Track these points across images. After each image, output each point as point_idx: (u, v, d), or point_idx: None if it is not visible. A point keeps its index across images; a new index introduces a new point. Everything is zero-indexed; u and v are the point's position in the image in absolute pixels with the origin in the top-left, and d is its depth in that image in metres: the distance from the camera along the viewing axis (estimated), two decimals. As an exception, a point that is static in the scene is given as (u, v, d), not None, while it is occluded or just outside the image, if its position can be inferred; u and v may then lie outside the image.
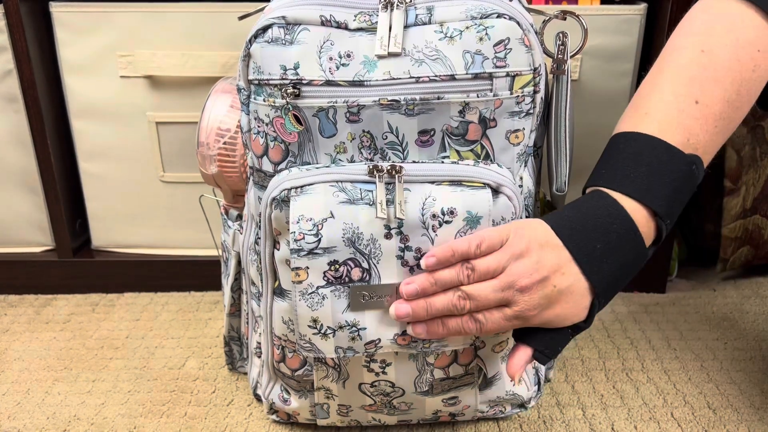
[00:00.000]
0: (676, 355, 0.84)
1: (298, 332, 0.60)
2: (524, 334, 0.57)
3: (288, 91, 0.57)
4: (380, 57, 0.56)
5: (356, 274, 0.57)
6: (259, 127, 0.61)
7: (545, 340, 0.57)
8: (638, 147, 0.57)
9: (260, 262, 0.64)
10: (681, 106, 0.57)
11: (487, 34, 0.56)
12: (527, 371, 0.69)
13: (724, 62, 0.58)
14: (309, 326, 0.59)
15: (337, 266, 0.57)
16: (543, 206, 0.73)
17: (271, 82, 0.58)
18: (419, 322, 0.56)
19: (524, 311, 0.54)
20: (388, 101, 0.56)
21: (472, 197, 0.56)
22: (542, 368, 0.73)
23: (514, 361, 0.56)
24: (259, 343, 0.70)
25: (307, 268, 0.57)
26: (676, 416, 0.73)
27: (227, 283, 0.74)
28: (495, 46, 0.56)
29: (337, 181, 0.57)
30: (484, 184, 0.57)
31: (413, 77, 0.56)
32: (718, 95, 0.57)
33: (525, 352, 0.57)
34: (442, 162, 0.58)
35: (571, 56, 0.62)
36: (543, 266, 0.54)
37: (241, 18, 0.67)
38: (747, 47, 0.58)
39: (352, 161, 0.59)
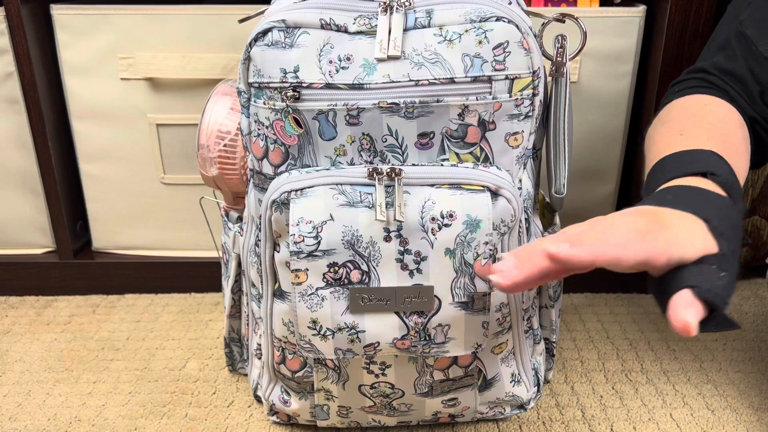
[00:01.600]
0: (675, 356, 0.84)
1: (297, 333, 0.60)
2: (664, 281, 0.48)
3: (288, 94, 0.57)
4: (380, 60, 0.56)
5: (355, 276, 0.57)
6: (259, 129, 0.61)
7: (694, 274, 0.45)
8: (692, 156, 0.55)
9: (260, 264, 0.64)
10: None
11: (486, 37, 0.56)
12: (527, 372, 0.69)
13: (704, 128, 0.58)
14: (308, 327, 0.59)
15: (337, 268, 0.57)
16: (542, 208, 0.73)
17: (271, 85, 0.58)
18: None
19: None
20: (388, 104, 0.56)
21: (472, 200, 0.56)
22: (542, 369, 0.73)
23: (675, 308, 0.43)
24: (260, 345, 0.70)
25: (307, 270, 0.57)
26: (675, 417, 0.73)
27: (227, 284, 0.74)
28: (494, 49, 0.56)
29: (336, 184, 0.57)
30: (483, 186, 0.57)
31: (413, 80, 0.56)
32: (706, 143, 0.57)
33: (681, 295, 0.44)
34: (442, 165, 0.58)
35: (570, 59, 0.62)
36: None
37: (242, 21, 0.67)
38: (724, 122, 0.60)
39: (351, 164, 0.59)
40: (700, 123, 0.60)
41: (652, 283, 0.48)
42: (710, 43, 0.66)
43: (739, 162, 0.56)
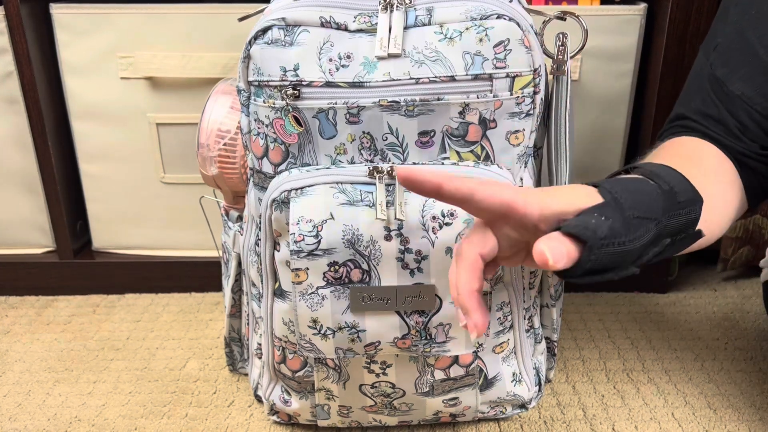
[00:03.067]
0: (676, 356, 0.84)
1: (298, 332, 0.60)
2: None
3: (288, 92, 0.57)
4: (380, 58, 0.56)
5: (356, 275, 0.57)
6: (259, 128, 0.61)
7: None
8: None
9: (260, 264, 0.64)
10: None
11: (486, 35, 0.56)
12: (528, 371, 0.69)
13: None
14: (309, 326, 0.59)
15: (337, 267, 0.57)
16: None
17: (271, 83, 0.58)
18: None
19: None
20: (388, 102, 0.56)
21: (472, 198, 0.56)
22: (543, 368, 0.73)
23: (536, 244, 0.42)
24: (260, 344, 0.70)
25: (307, 269, 0.57)
26: (676, 416, 0.73)
27: (228, 284, 0.74)
28: (495, 47, 0.56)
29: (337, 183, 0.57)
30: (484, 185, 0.57)
31: (413, 78, 0.56)
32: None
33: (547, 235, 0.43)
34: (442, 163, 0.58)
35: (571, 57, 0.62)
36: None
37: (241, 19, 0.67)
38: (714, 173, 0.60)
39: (352, 162, 0.59)
40: (664, 152, 0.62)
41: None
42: (686, 89, 0.68)
43: (697, 172, 0.56)
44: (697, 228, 0.52)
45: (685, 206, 0.50)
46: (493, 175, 0.57)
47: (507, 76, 0.57)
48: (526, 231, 0.47)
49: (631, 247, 0.45)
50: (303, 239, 0.56)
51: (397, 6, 0.56)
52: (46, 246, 1.02)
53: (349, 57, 0.56)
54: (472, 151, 0.58)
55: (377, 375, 0.63)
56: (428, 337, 0.59)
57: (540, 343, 0.72)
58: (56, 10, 0.89)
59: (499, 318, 0.63)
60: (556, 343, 0.75)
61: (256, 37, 0.58)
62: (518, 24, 0.56)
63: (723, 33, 0.64)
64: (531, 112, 0.59)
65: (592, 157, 0.95)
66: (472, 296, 0.45)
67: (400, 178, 0.45)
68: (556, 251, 0.41)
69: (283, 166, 0.60)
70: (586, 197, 0.46)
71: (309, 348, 0.60)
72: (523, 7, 0.60)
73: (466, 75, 0.56)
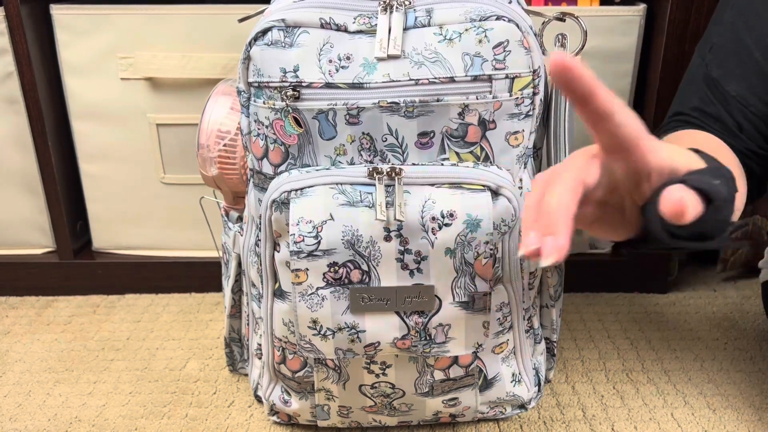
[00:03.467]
0: (676, 356, 0.84)
1: (298, 333, 0.60)
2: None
3: (288, 93, 0.57)
4: (380, 59, 0.56)
5: (356, 276, 0.57)
6: (259, 129, 0.61)
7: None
8: None
9: (260, 264, 0.64)
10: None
11: (486, 36, 0.56)
12: (528, 371, 0.69)
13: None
14: (309, 327, 0.59)
15: (337, 268, 0.57)
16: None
17: (270, 84, 0.58)
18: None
19: None
20: (388, 103, 0.56)
21: (472, 200, 0.56)
22: (542, 369, 0.73)
23: (667, 193, 0.39)
24: (260, 345, 0.70)
25: (307, 269, 0.57)
26: (676, 416, 0.73)
27: (228, 284, 0.74)
28: (494, 48, 0.56)
29: (336, 184, 0.57)
30: (483, 186, 0.57)
31: (413, 79, 0.56)
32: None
33: (673, 186, 0.40)
34: (442, 164, 0.58)
35: (571, 58, 0.62)
36: None
37: (241, 20, 0.67)
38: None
39: (351, 163, 0.59)
40: (685, 142, 0.61)
41: (647, 210, 0.45)
42: (681, 89, 0.69)
43: (729, 165, 0.56)
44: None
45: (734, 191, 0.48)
46: (492, 176, 0.57)
47: (506, 77, 0.57)
48: (633, 177, 0.43)
49: (731, 219, 0.43)
50: (303, 240, 0.56)
51: (397, 7, 0.56)
52: (46, 246, 1.02)
53: (348, 58, 0.56)
54: (471, 152, 0.58)
55: (377, 375, 0.63)
56: (428, 338, 0.59)
57: (539, 343, 0.72)
58: (56, 11, 0.89)
59: (499, 318, 0.63)
60: (555, 344, 0.75)
61: (256, 39, 0.58)
62: (517, 25, 0.56)
63: (718, 34, 0.64)
64: (530, 113, 0.59)
65: (591, 157, 0.95)
66: (568, 214, 0.39)
67: (556, 67, 0.39)
68: (689, 202, 0.38)
69: (282, 167, 0.60)
70: (697, 161, 0.44)
71: (309, 348, 0.60)
72: (522, 8, 0.60)
73: (466, 76, 0.56)
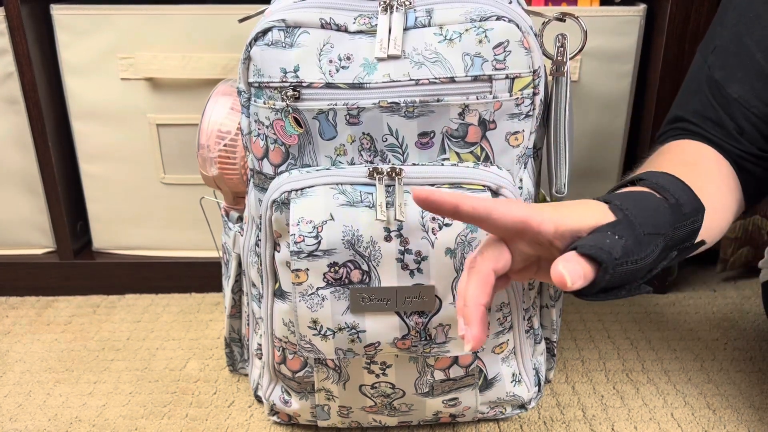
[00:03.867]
0: (676, 356, 0.84)
1: (298, 333, 0.60)
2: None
3: (288, 93, 0.57)
4: (380, 59, 0.56)
5: (356, 276, 0.57)
6: (259, 129, 0.61)
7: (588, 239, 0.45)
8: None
9: (261, 264, 0.64)
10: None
11: (486, 36, 0.56)
12: (528, 371, 0.69)
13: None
14: (309, 327, 0.59)
15: (337, 268, 0.57)
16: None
17: (271, 84, 0.58)
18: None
19: None
20: (388, 103, 0.56)
21: (472, 199, 0.56)
22: (543, 369, 0.73)
23: (554, 265, 0.43)
24: (260, 345, 0.70)
25: (307, 269, 0.57)
26: (676, 417, 0.73)
27: (228, 284, 0.74)
28: (494, 48, 0.56)
29: (337, 184, 0.57)
30: (484, 186, 0.57)
31: (413, 79, 0.56)
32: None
33: (563, 255, 0.44)
34: (442, 164, 0.58)
35: (571, 58, 0.62)
36: None
37: (242, 21, 0.67)
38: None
39: (352, 163, 0.59)
40: (664, 158, 0.62)
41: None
42: (683, 90, 0.69)
43: (697, 178, 0.57)
44: (698, 237, 0.53)
45: (689, 217, 0.51)
46: (492, 176, 0.57)
47: (506, 77, 0.57)
48: (540, 246, 0.48)
49: (642, 264, 0.46)
50: (303, 240, 0.56)
51: (397, 7, 0.56)
52: (47, 246, 1.02)
53: (349, 58, 0.56)
54: (471, 152, 0.59)
55: (377, 375, 0.63)
56: (428, 338, 0.59)
57: (539, 343, 0.72)
58: (57, 11, 0.89)
59: (499, 319, 0.63)
60: (555, 344, 0.75)
61: (256, 39, 0.58)
62: (518, 25, 0.56)
63: (721, 36, 0.64)
64: (530, 113, 0.59)
65: (591, 157, 0.95)
66: (478, 309, 0.45)
67: (417, 199, 0.46)
68: (573, 273, 0.42)
69: (283, 167, 0.60)
70: (599, 214, 0.47)
71: (309, 348, 0.60)
72: (522, 8, 0.60)
73: (466, 76, 0.56)
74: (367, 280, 0.57)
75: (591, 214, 0.47)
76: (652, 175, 0.54)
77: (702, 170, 0.60)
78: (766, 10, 0.61)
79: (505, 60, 0.56)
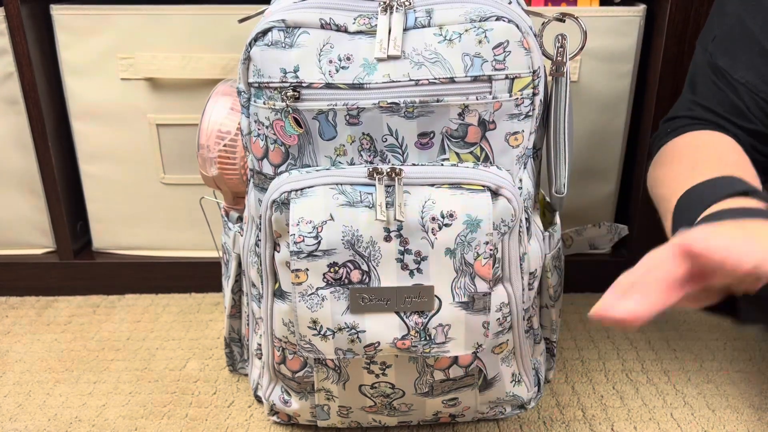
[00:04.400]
0: (675, 356, 0.84)
1: (298, 333, 0.60)
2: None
3: (288, 94, 0.57)
4: (380, 60, 0.56)
5: (356, 276, 0.57)
6: (259, 129, 0.61)
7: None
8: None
9: (260, 264, 0.64)
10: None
11: (486, 36, 0.56)
12: (528, 371, 0.69)
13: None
14: (309, 327, 0.59)
15: (337, 268, 0.57)
16: (543, 208, 0.73)
17: (271, 85, 0.58)
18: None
19: None
20: (388, 104, 0.56)
21: (472, 200, 0.56)
22: (542, 369, 0.73)
23: None
24: (260, 345, 0.70)
25: (307, 269, 0.57)
26: (675, 417, 0.73)
27: (228, 284, 0.74)
28: (494, 48, 0.56)
29: (336, 184, 0.57)
30: (483, 186, 0.57)
31: (413, 80, 0.56)
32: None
33: None
34: (442, 164, 0.58)
35: (571, 58, 0.62)
36: None
37: (242, 21, 0.67)
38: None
39: (351, 164, 0.59)
40: (708, 156, 0.60)
41: (750, 302, 0.43)
42: (689, 81, 0.69)
43: (758, 184, 0.56)
44: None
45: None
46: (492, 177, 0.58)
47: (506, 77, 0.57)
48: (728, 279, 0.43)
49: None
50: (303, 240, 0.57)
51: (397, 8, 0.56)
52: (47, 246, 1.02)
53: (348, 59, 0.56)
54: (471, 153, 0.59)
55: (377, 375, 0.63)
56: (428, 338, 0.59)
57: (539, 343, 0.72)
58: (57, 11, 0.89)
59: (499, 319, 0.63)
60: (555, 344, 0.75)
61: (256, 39, 0.58)
62: (517, 26, 0.56)
63: (721, 24, 0.64)
64: (530, 113, 0.59)
65: (591, 157, 0.95)
66: (659, 286, 0.40)
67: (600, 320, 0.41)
68: None
69: (283, 168, 0.60)
70: None
71: (309, 348, 0.60)
72: (522, 8, 0.60)
73: (466, 77, 0.56)
74: (367, 280, 0.57)
75: None
76: (749, 186, 0.50)
77: (745, 168, 0.58)
78: None
79: (504, 60, 0.56)
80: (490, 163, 0.59)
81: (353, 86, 0.56)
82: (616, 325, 0.39)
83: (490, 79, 0.56)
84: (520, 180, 0.62)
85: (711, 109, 0.64)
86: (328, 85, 0.56)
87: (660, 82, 0.88)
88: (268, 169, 0.61)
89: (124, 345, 0.88)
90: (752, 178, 0.58)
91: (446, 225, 0.56)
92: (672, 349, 0.86)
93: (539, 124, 0.62)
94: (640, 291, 0.40)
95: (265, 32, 0.57)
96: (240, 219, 0.73)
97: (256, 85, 0.59)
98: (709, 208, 0.50)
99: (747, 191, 0.51)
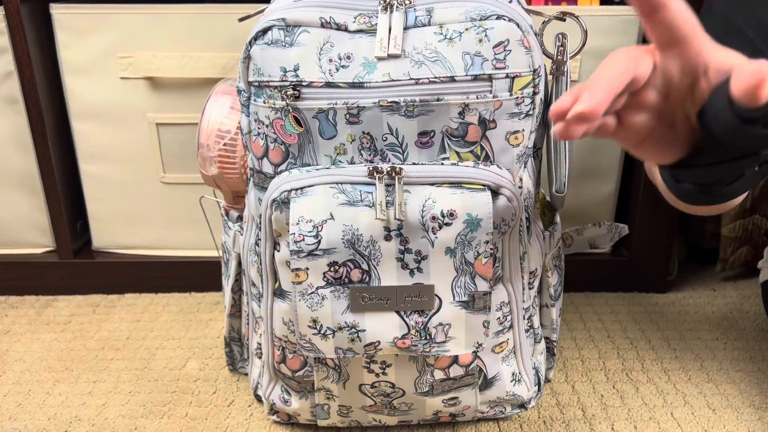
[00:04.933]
0: (675, 355, 0.84)
1: (298, 332, 0.60)
2: None
3: (288, 92, 0.57)
4: (380, 59, 0.56)
5: (356, 275, 0.57)
6: (259, 128, 0.61)
7: None
8: None
9: (260, 263, 0.64)
10: None
11: (486, 35, 0.56)
12: (528, 371, 0.69)
13: None
14: (309, 326, 0.59)
15: (337, 267, 0.57)
16: (543, 207, 0.73)
17: (271, 83, 0.58)
18: None
19: None
20: (388, 103, 0.56)
21: (472, 199, 0.56)
22: (542, 368, 0.73)
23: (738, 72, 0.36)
24: (260, 344, 0.70)
25: (307, 269, 0.57)
26: (675, 416, 0.73)
27: (228, 284, 0.74)
28: (494, 47, 0.56)
29: (337, 183, 0.57)
30: (483, 185, 0.57)
31: (413, 79, 0.56)
32: None
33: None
34: (442, 163, 0.58)
35: (571, 57, 0.62)
36: None
37: (241, 20, 0.67)
38: None
39: (352, 163, 0.59)
40: None
41: (709, 107, 0.41)
42: None
43: None
44: None
45: None
46: (492, 176, 0.57)
47: (507, 76, 0.57)
48: (689, 74, 0.41)
49: None
50: (303, 239, 0.56)
51: (397, 6, 0.56)
52: (46, 246, 1.02)
53: (349, 57, 0.56)
54: (471, 152, 0.59)
55: (377, 375, 0.63)
56: (428, 337, 0.59)
57: (539, 342, 0.72)
58: (56, 10, 0.89)
59: (499, 318, 0.63)
60: (555, 343, 0.75)
61: (256, 38, 0.58)
62: (518, 24, 0.56)
63: (710, 24, 0.64)
64: (530, 112, 0.59)
65: (591, 157, 0.95)
66: (611, 79, 0.39)
67: None
68: None
69: (283, 167, 0.60)
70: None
71: (309, 348, 0.60)
72: (522, 7, 0.60)
73: (466, 75, 0.56)
74: (367, 279, 0.57)
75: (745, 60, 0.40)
76: None
77: None
78: None
79: (505, 59, 0.56)
80: (491, 162, 0.59)
81: (353, 85, 0.56)
82: (574, 124, 0.38)
83: (490, 78, 0.56)
84: (521, 179, 0.62)
85: None
86: (328, 84, 0.56)
87: (660, 81, 0.88)
88: (268, 168, 0.61)
89: (123, 344, 0.88)
90: None
91: (446, 224, 0.56)
92: (672, 348, 0.85)
93: (539, 123, 0.62)
94: (589, 87, 0.39)
95: (265, 31, 0.57)
96: (240, 218, 0.73)
97: (256, 83, 0.59)
98: None
99: None
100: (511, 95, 0.57)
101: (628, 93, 0.43)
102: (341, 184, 0.57)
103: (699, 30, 0.41)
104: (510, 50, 0.56)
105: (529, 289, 0.66)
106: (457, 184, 0.57)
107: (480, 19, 0.56)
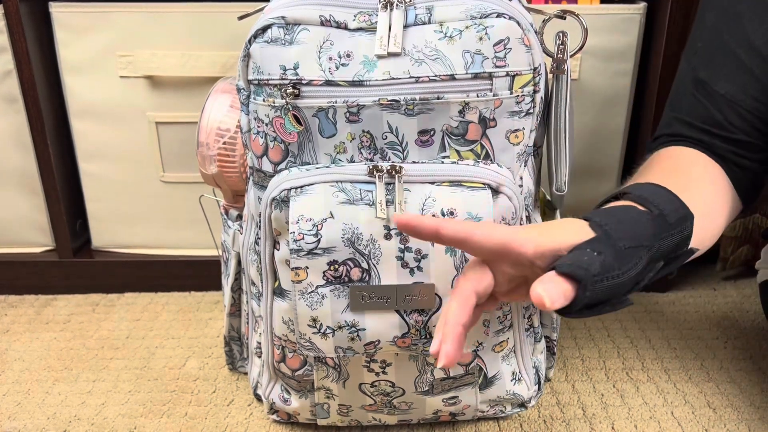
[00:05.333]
0: (676, 354, 0.84)
1: (297, 331, 0.60)
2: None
3: (287, 91, 0.57)
4: (380, 57, 0.56)
5: (356, 274, 0.57)
6: (258, 127, 0.61)
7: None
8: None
9: (260, 262, 0.64)
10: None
11: (486, 33, 0.56)
12: (528, 370, 0.69)
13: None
14: (309, 325, 0.59)
15: (337, 266, 0.57)
16: (543, 206, 0.73)
17: (270, 82, 0.58)
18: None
19: None
20: (388, 101, 0.56)
21: (472, 197, 0.56)
22: (542, 367, 0.73)
23: (533, 286, 0.44)
24: (260, 343, 0.70)
25: (307, 267, 0.57)
26: (676, 415, 0.73)
27: (227, 283, 0.74)
28: (495, 45, 0.56)
29: (336, 182, 0.57)
30: (484, 184, 0.57)
31: (413, 77, 0.56)
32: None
33: (542, 276, 0.45)
34: (442, 162, 0.58)
35: (571, 56, 0.62)
36: None
37: (241, 18, 0.67)
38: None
39: (351, 161, 0.59)
40: (653, 168, 0.63)
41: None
42: (671, 95, 0.69)
43: (687, 186, 0.58)
44: (689, 245, 0.53)
45: (676, 226, 0.51)
46: (492, 174, 0.57)
47: (507, 74, 0.57)
48: (522, 267, 0.49)
49: (625, 278, 0.47)
50: (303, 238, 0.56)
51: (397, 5, 0.56)
52: (46, 245, 1.02)
53: (348, 56, 0.56)
54: (471, 150, 0.58)
55: (377, 374, 0.63)
56: (428, 336, 0.59)
57: (539, 342, 0.72)
58: (55, 9, 0.89)
59: (499, 317, 0.63)
60: (555, 342, 0.75)
61: (255, 36, 0.58)
62: (518, 23, 0.56)
63: (702, 37, 0.65)
64: (531, 111, 0.59)
65: (591, 155, 0.95)
66: (456, 329, 0.47)
67: (399, 225, 0.49)
68: (552, 293, 0.43)
69: (282, 165, 0.60)
70: (579, 232, 0.48)
71: (309, 347, 0.60)
72: (523, 5, 0.60)
73: (466, 74, 0.56)
74: (367, 278, 0.57)
75: (571, 232, 0.48)
76: (636, 187, 0.55)
77: (692, 176, 0.61)
78: (746, 9, 0.62)
79: (505, 57, 0.56)
80: (491, 160, 0.59)
81: (353, 83, 0.56)
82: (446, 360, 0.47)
83: (490, 77, 0.56)
84: (521, 178, 0.61)
85: (689, 122, 0.65)
86: (328, 82, 0.56)
87: (660, 80, 0.88)
88: (267, 166, 0.61)
89: (123, 343, 0.87)
90: (706, 190, 0.60)
91: (447, 222, 0.56)
92: (672, 347, 0.85)
93: (540, 122, 0.62)
94: (445, 335, 0.47)
95: (264, 29, 0.57)
96: (239, 217, 0.73)
97: (256, 82, 0.59)
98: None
99: (618, 194, 0.56)
100: (511, 93, 0.57)
101: (482, 299, 0.50)
102: (341, 182, 0.57)
103: (512, 236, 0.48)
104: (510, 48, 0.56)
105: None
106: (457, 183, 0.57)
107: (480, 17, 0.56)
